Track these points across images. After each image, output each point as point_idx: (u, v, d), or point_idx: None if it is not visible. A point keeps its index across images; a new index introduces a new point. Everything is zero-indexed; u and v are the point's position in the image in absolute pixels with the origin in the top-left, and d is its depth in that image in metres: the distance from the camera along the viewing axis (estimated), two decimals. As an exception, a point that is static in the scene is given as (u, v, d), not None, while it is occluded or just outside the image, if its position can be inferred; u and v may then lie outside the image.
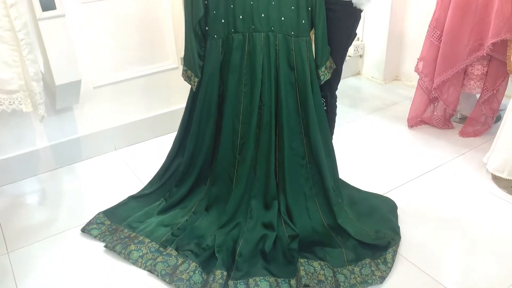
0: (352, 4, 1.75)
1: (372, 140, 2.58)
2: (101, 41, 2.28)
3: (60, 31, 1.84)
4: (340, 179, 2.02)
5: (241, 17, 1.72)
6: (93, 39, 2.26)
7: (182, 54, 1.88)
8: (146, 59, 2.47)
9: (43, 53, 1.90)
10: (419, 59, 2.57)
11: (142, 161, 2.41)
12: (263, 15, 1.71)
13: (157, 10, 2.39)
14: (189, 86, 1.91)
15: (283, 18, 1.72)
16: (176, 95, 2.63)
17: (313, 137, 1.81)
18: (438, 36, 2.41)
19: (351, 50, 3.34)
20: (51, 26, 1.81)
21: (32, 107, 1.70)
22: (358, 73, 3.51)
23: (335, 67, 1.84)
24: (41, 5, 1.76)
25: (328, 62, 1.80)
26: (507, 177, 2.09)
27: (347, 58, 2.23)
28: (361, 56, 3.44)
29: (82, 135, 2.40)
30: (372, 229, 1.81)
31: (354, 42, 3.34)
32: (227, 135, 1.82)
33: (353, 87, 3.30)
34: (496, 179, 2.15)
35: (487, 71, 2.39)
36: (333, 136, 2.05)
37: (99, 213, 1.94)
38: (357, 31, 1.95)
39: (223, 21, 1.74)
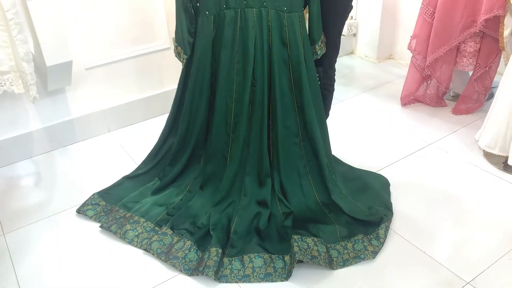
0: None
1: (365, 119, 2.59)
2: (91, 21, 2.26)
3: (50, 10, 1.82)
4: (334, 156, 2.04)
5: None
6: (84, 20, 2.23)
7: (174, 34, 1.87)
8: (138, 40, 2.45)
9: (33, 34, 1.87)
10: (412, 37, 2.56)
11: (136, 142, 2.41)
12: None
13: (148, -11, 2.37)
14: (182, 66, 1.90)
15: None
16: (169, 75, 2.62)
17: (308, 115, 1.80)
18: (431, 13, 2.41)
19: (344, 29, 3.31)
20: (40, 6, 1.79)
21: (24, 88, 1.69)
22: (352, 52, 3.50)
23: (325, 40, 1.83)
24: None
25: (322, 36, 1.80)
26: (499, 153, 2.11)
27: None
28: (354, 35, 3.43)
29: (75, 117, 2.39)
30: (365, 205, 1.83)
31: (348, 21, 3.31)
32: (220, 114, 1.82)
33: (346, 66, 3.30)
34: (488, 155, 2.17)
35: (479, 48, 2.40)
36: (328, 113, 2.05)
37: (94, 194, 1.95)
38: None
39: None
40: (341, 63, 3.30)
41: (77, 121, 2.40)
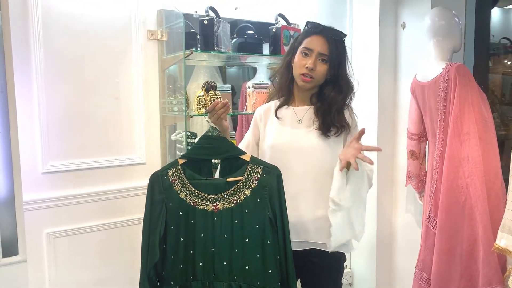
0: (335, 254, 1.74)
1: None
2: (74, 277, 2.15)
3: (18, 278, 1.71)
4: None
5: (201, 263, 1.60)
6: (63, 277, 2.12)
7: None
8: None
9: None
10: (410, 301, 2.39)
11: None
12: (225, 263, 1.59)
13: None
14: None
15: (247, 267, 1.58)
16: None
17: None
18: (426, 280, 2.28)
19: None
20: (8, 274, 1.69)
21: None
22: (350, 305, 3.27)
23: None
24: (2, 250, 1.67)
25: None
26: None
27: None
28: (350, 284, 3.26)
29: None
30: None
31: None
32: None
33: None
34: None
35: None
36: None
37: None
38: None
39: (181, 267, 1.61)
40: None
41: None
